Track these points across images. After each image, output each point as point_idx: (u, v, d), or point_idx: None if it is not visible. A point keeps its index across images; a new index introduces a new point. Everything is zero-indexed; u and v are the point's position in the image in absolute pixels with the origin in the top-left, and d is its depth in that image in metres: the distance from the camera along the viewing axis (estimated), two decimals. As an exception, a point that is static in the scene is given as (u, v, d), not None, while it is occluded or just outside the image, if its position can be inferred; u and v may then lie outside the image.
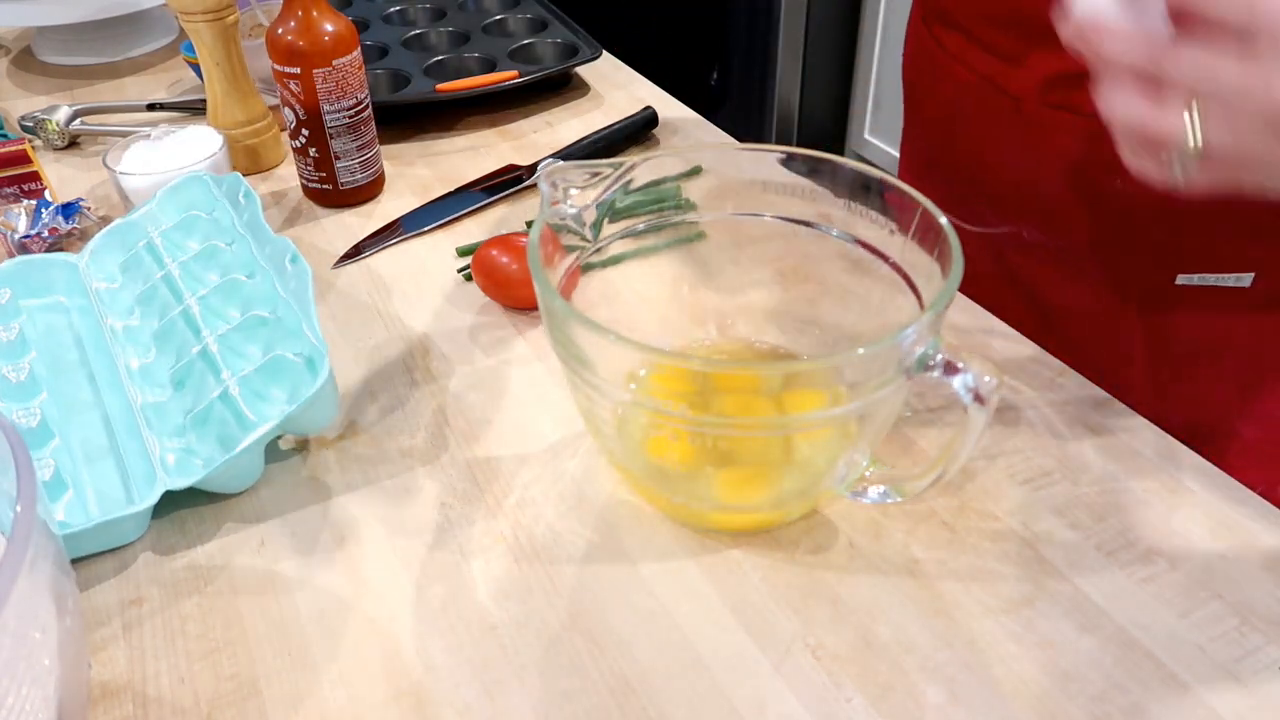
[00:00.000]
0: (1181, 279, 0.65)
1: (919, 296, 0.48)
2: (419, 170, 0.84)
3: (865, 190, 0.51)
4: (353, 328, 0.66)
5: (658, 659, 0.45)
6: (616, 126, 0.86)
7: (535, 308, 0.56)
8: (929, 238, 0.47)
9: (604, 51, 0.98)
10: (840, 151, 2.37)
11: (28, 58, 1.09)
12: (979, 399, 0.41)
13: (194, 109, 0.94)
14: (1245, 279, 0.64)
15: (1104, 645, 0.45)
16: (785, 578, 0.48)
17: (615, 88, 0.97)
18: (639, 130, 0.87)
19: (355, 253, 0.74)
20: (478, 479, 0.54)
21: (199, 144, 0.80)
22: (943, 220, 0.46)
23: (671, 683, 0.44)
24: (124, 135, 0.84)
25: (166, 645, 0.46)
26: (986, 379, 0.41)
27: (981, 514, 0.51)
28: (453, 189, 0.81)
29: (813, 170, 0.53)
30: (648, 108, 0.88)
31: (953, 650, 0.45)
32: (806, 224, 0.54)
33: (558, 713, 0.43)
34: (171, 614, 0.48)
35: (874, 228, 0.51)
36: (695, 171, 0.56)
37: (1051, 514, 0.51)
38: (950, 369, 0.41)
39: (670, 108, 0.93)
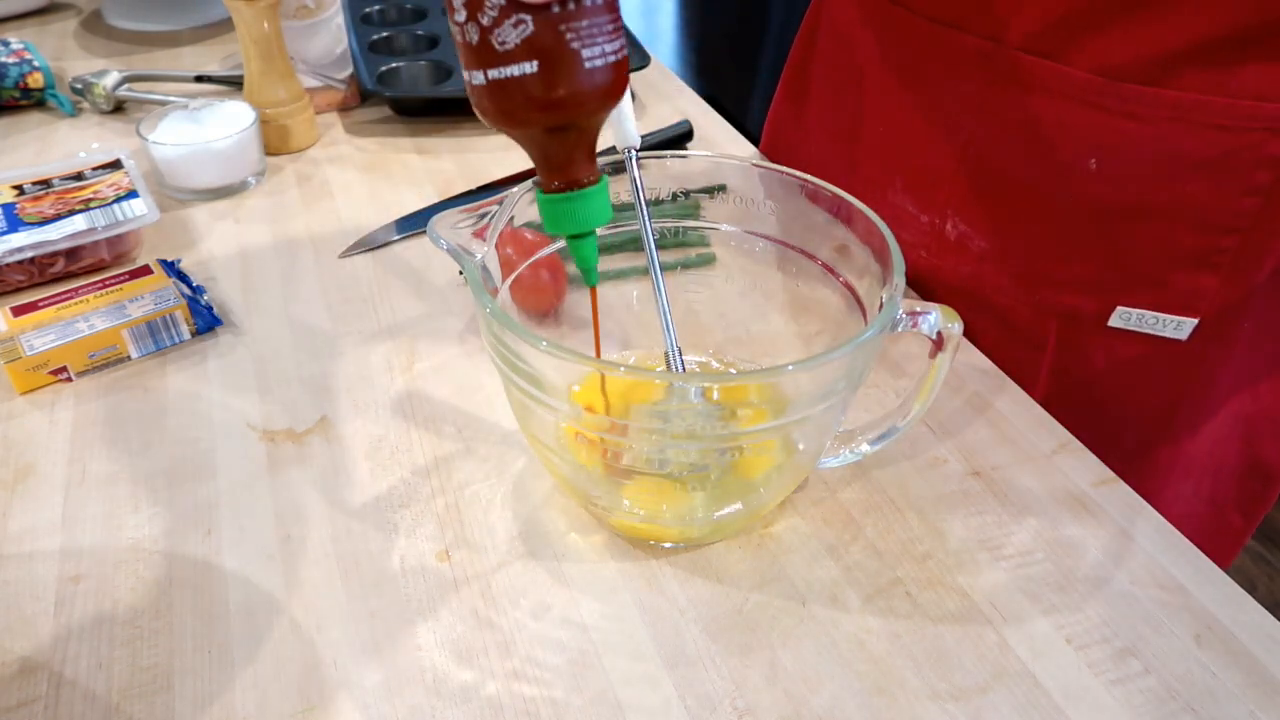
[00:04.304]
0: (1118, 317, 0.60)
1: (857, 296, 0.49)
2: (444, 165, 0.84)
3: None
4: (346, 319, 0.66)
5: (575, 697, 0.43)
6: (647, 140, 0.84)
7: (535, 310, 0.55)
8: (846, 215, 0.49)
9: (653, 59, 0.96)
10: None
11: (95, 21, 1.11)
12: (941, 340, 0.45)
13: (237, 83, 0.94)
14: (1186, 327, 0.59)
15: (1056, 749, 0.41)
16: (729, 630, 0.46)
17: (661, 98, 0.95)
18: (672, 144, 0.85)
19: (364, 244, 0.73)
20: (436, 486, 0.53)
21: (233, 119, 0.80)
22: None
23: (587, 731, 0.42)
24: (165, 104, 0.85)
25: (93, 627, 0.46)
26: (949, 325, 0.44)
27: (951, 589, 0.48)
28: (474, 187, 0.80)
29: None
30: (684, 121, 0.86)
31: (890, 733, 0.42)
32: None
33: (464, 748, 0.41)
34: (105, 595, 0.47)
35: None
36: (720, 188, 0.54)
37: (1026, 598, 0.47)
38: (915, 318, 0.44)
39: (713, 122, 0.91)
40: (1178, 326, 0.59)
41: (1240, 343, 0.61)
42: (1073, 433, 0.57)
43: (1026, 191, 0.61)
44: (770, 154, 0.84)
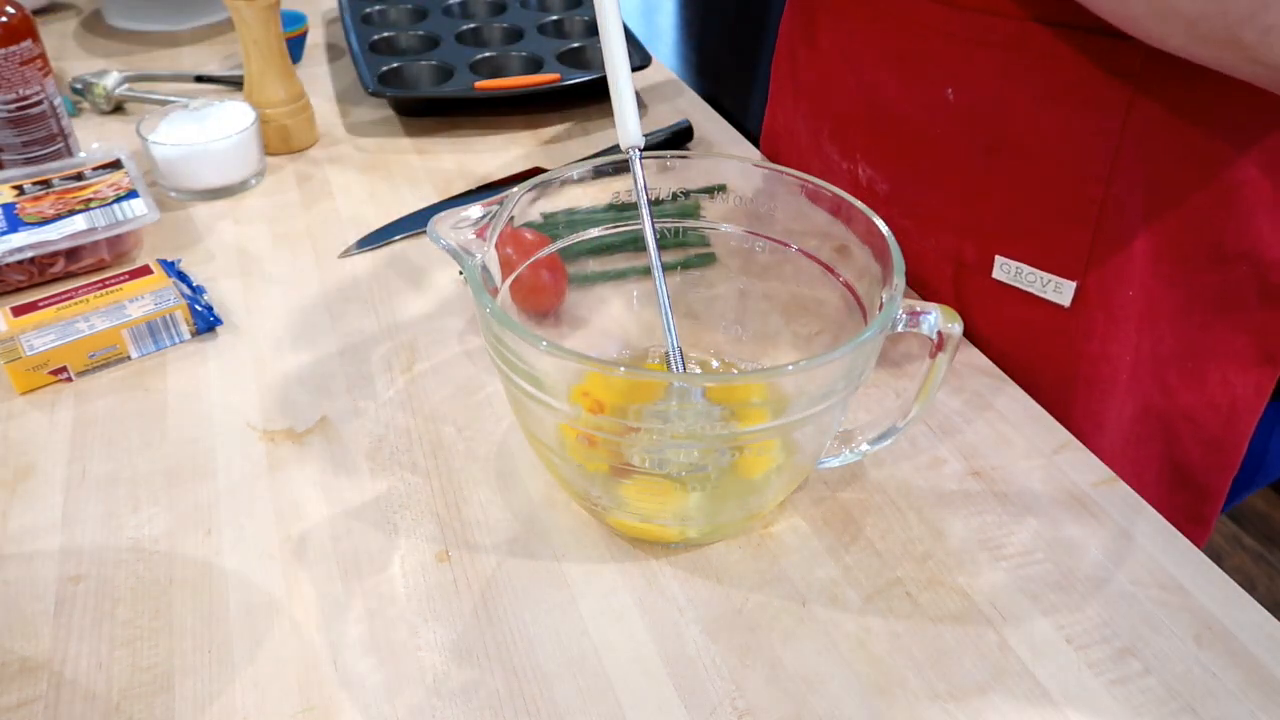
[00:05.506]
0: (999, 269, 0.62)
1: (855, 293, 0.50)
2: (445, 165, 0.84)
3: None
4: (346, 319, 0.66)
5: (576, 699, 0.43)
6: (647, 139, 0.84)
7: (535, 310, 0.55)
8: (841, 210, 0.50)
9: (653, 59, 0.96)
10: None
11: (95, 21, 1.11)
12: (941, 340, 0.45)
13: (237, 83, 0.94)
14: (1066, 290, 0.60)
15: (1056, 749, 0.41)
16: (729, 631, 0.46)
17: (661, 98, 0.96)
18: (672, 144, 0.85)
19: (364, 244, 0.73)
20: (436, 486, 0.53)
21: (233, 118, 0.80)
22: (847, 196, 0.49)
23: (587, 731, 0.42)
24: (165, 104, 0.85)
25: (93, 627, 0.46)
26: (949, 325, 0.44)
27: (951, 589, 0.48)
28: (474, 187, 0.80)
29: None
30: (683, 121, 0.86)
31: (890, 733, 0.42)
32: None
33: (464, 748, 0.41)
34: (105, 596, 0.47)
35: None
36: (720, 188, 0.54)
37: (1026, 598, 0.47)
38: (915, 318, 0.44)
39: (713, 122, 0.91)
40: (1057, 288, 0.60)
41: (1128, 318, 0.60)
42: None
43: (907, 126, 0.64)
44: (769, 136, 0.83)
